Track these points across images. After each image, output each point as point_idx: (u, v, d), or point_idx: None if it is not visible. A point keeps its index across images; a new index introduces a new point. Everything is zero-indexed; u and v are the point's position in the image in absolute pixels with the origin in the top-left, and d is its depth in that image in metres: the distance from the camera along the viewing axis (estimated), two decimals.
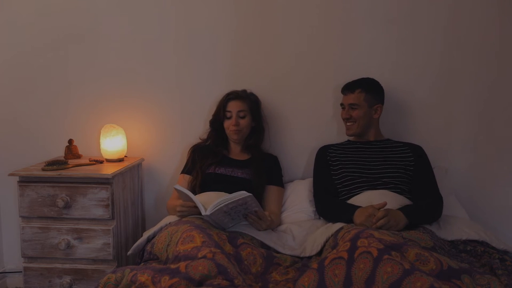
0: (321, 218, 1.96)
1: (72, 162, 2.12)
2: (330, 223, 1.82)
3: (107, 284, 1.36)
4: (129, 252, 1.84)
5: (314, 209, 2.02)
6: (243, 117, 2.07)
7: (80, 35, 2.27)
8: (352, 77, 2.07)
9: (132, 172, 2.19)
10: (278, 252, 1.70)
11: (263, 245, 1.73)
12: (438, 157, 2.10)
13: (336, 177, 1.97)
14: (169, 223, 1.79)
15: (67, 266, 1.98)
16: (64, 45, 2.28)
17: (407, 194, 1.87)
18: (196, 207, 1.70)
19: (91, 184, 1.95)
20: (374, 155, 1.97)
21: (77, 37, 2.27)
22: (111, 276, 1.38)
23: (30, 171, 1.98)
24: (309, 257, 1.67)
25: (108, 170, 1.99)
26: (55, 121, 2.33)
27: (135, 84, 2.29)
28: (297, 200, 2.07)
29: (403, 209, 1.70)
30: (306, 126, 2.25)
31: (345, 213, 1.76)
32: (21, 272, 2.02)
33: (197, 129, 2.24)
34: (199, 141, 2.19)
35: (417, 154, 1.95)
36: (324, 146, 2.08)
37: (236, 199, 1.61)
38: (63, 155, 2.24)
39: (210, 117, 2.15)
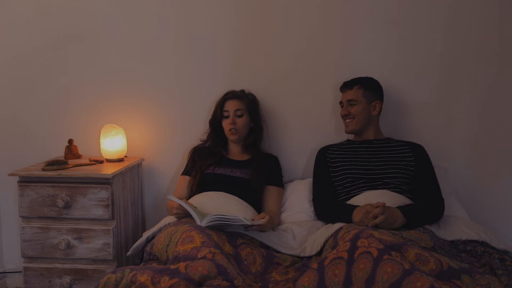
0: (320, 221, 1.96)
1: (72, 162, 2.12)
2: (330, 223, 1.82)
3: (107, 284, 1.36)
4: (128, 253, 1.84)
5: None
6: (240, 116, 2.07)
7: (80, 35, 2.27)
8: (352, 77, 2.07)
9: (132, 172, 2.19)
10: (278, 252, 1.70)
11: (262, 245, 1.72)
12: (438, 156, 2.10)
13: (336, 178, 1.97)
14: (168, 223, 1.79)
15: (67, 266, 1.98)
16: (64, 45, 2.28)
17: (407, 194, 1.86)
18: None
19: (91, 184, 1.94)
20: (374, 154, 1.97)
21: (77, 37, 2.27)
22: (111, 276, 1.38)
23: (30, 171, 1.98)
24: (309, 257, 1.67)
25: (108, 170, 1.99)
26: (55, 121, 2.33)
27: (135, 84, 2.29)
28: (297, 200, 2.06)
29: (401, 207, 1.70)
30: (306, 126, 2.25)
31: (344, 213, 1.76)
32: (21, 272, 2.02)
33: (197, 129, 2.25)
34: (199, 142, 2.19)
35: (418, 154, 1.94)
36: (324, 147, 2.08)
37: (235, 222, 1.61)
38: (63, 155, 2.24)
39: (210, 117, 2.16)
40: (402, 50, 2.17)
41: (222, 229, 1.67)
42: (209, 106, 2.22)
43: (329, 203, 1.91)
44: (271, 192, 2.03)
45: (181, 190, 2.05)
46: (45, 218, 1.97)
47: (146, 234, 1.81)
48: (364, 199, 1.80)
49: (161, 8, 2.23)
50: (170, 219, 1.86)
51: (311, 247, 1.70)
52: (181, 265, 1.33)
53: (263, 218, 1.76)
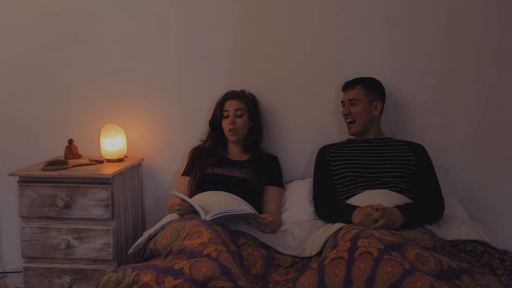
0: (320, 219, 1.96)
1: (72, 162, 2.12)
2: (330, 223, 1.82)
3: (108, 283, 1.36)
4: (129, 251, 1.84)
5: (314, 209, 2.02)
6: (240, 116, 2.07)
7: (80, 35, 2.27)
8: (352, 77, 2.07)
9: (132, 172, 2.19)
10: (278, 253, 1.70)
11: (263, 245, 1.72)
12: (438, 156, 2.10)
13: (336, 177, 1.97)
14: (171, 221, 1.78)
15: (67, 266, 1.98)
16: (64, 45, 2.28)
17: (407, 193, 1.86)
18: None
19: (91, 184, 1.94)
20: (375, 154, 1.97)
21: (77, 37, 2.27)
22: (112, 275, 1.38)
23: (30, 171, 1.98)
24: (309, 257, 1.67)
25: (108, 170, 1.99)
26: (55, 121, 2.33)
27: (135, 84, 2.29)
28: (297, 200, 2.06)
29: (400, 207, 1.69)
30: (306, 126, 2.25)
31: (344, 214, 1.76)
32: (21, 272, 2.02)
33: (197, 129, 2.24)
34: (199, 142, 2.19)
35: (419, 154, 1.94)
36: (325, 146, 2.08)
37: (238, 212, 1.61)
38: (63, 155, 2.24)
39: (210, 117, 2.16)
40: (403, 50, 2.17)
41: (226, 225, 1.68)
42: (209, 106, 2.22)
43: (329, 202, 1.91)
44: (271, 192, 2.03)
45: (181, 190, 2.05)
46: (45, 218, 1.97)
47: (147, 233, 1.81)
48: (363, 198, 1.80)
49: (161, 8, 2.23)
50: (172, 217, 1.86)
51: (311, 247, 1.70)
52: (185, 266, 1.33)
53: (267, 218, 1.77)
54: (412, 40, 2.16)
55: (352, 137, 2.10)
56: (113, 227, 1.95)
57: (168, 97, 2.28)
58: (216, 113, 2.11)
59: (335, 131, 2.23)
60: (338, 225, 1.71)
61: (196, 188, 2.01)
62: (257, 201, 1.99)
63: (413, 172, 1.89)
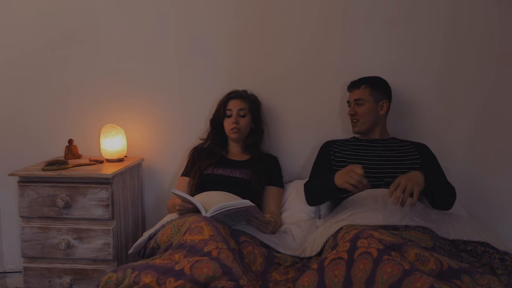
0: (311, 205, 1.97)
1: (72, 162, 2.12)
2: (330, 223, 1.81)
3: (108, 282, 1.35)
4: (130, 251, 1.83)
5: (314, 208, 2.02)
6: (243, 116, 2.08)
7: (80, 35, 2.27)
8: (353, 77, 2.07)
9: (132, 172, 2.19)
10: (278, 252, 1.69)
11: (263, 245, 1.72)
12: (438, 156, 2.09)
13: None
14: (171, 220, 1.78)
15: (67, 266, 1.98)
16: (64, 45, 2.28)
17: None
18: (195, 206, 1.70)
19: (91, 184, 1.94)
20: (379, 154, 1.96)
21: (77, 37, 2.27)
22: (112, 275, 1.37)
23: (30, 171, 1.98)
24: (309, 258, 1.67)
25: (108, 170, 1.99)
26: (55, 121, 2.33)
27: (135, 84, 2.29)
28: (297, 200, 2.06)
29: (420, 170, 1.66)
30: (306, 126, 2.25)
31: (326, 181, 1.77)
32: (21, 272, 2.02)
33: (197, 129, 2.24)
34: (199, 141, 2.19)
35: (423, 153, 1.94)
36: (329, 141, 2.08)
37: (239, 206, 1.61)
38: (63, 155, 2.24)
39: (211, 117, 2.16)
40: (403, 50, 2.17)
41: (227, 224, 1.67)
42: (210, 106, 2.23)
43: (313, 181, 1.93)
44: (271, 192, 2.03)
45: (180, 191, 2.05)
46: (45, 218, 1.97)
47: (147, 233, 1.80)
48: (365, 197, 1.80)
49: (161, 8, 2.23)
50: (172, 216, 1.86)
51: (311, 248, 1.70)
52: (186, 266, 1.32)
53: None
54: (412, 40, 2.16)
55: (357, 135, 2.09)
56: (113, 227, 1.95)
57: (168, 97, 2.28)
58: (218, 112, 2.11)
59: (335, 130, 2.23)
60: (337, 226, 1.71)
61: (196, 188, 2.01)
62: (257, 201, 1.98)
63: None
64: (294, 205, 2.05)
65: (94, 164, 2.11)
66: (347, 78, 2.08)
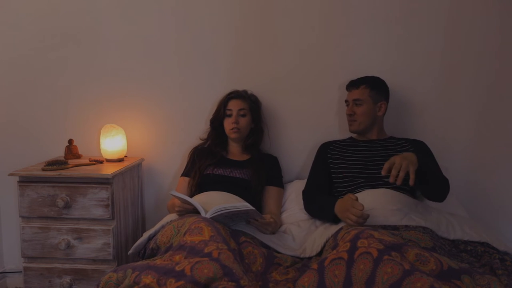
0: (307, 213, 1.96)
1: (72, 162, 2.12)
2: (329, 223, 1.82)
3: (108, 282, 1.35)
4: (130, 252, 1.84)
5: None
6: (243, 116, 2.08)
7: (80, 35, 2.27)
8: (353, 76, 2.07)
9: (132, 172, 2.19)
10: (278, 252, 1.69)
11: (263, 245, 1.72)
12: (438, 156, 2.09)
13: (336, 175, 1.97)
14: (171, 220, 1.78)
15: (67, 266, 1.98)
16: (64, 45, 2.28)
17: (409, 193, 1.86)
18: (194, 207, 1.70)
19: (91, 184, 1.94)
20: (376, 154, 1.96)
21: (77, 37, 2.27)
22: (112, 275, 1.37)
23: (30, 171, 1.98)
24: (310, 258, 1.67)
25: (108, 170, 1.99)
26: (55, 121, 2.33)
27: (135, 84, 2.29)
28: (297, 200, 2.06)
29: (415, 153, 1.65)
30: (306, 126, 2.25)
31: (326, 210, 1.78)
32: (21, 272, 2.02)
33: (197, 129, 2.25)
34: (199, 141, 2.19)
35: (419, 149, 1.94)
36: (326, 142, 2.08)
37: (238, 209, 1.61)
38: (63, 155, 2.24)
39: (211, 117, 2.16)
40: (403, 50, 2.17)
41: (227, 225, 1.67)
42: (210, 106, 2.23)
43: (315, 196, 1.92)
44: (271, 192, 2.03)
45: (180, 191, 2.05)
46: (45, 218, 1.97)
47: (147, 233, 1.80)
48: (364, 197, 1.80)
49: (161, 8, 2.23)
50: (172, 217, 1.86)
51: (311, 248, 1.70)
52: (187, 267, 1.32)
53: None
54: (411, 39, 2.16)
55: (353, 135, 2.09)
56: (113, 227, 1.95)
57: (168, 97, 2.28)
58: (219, 111, 2.11)
59: (335, 130, 2.23)
60: (337, 226, 1.71)
61: (196, 188, 2.01)
62: (257, 202, 1.98)
63: None
64: (294, 205, 2.05)
65: (94, 164, 2.11)
66: (347, 78, 2.08)
